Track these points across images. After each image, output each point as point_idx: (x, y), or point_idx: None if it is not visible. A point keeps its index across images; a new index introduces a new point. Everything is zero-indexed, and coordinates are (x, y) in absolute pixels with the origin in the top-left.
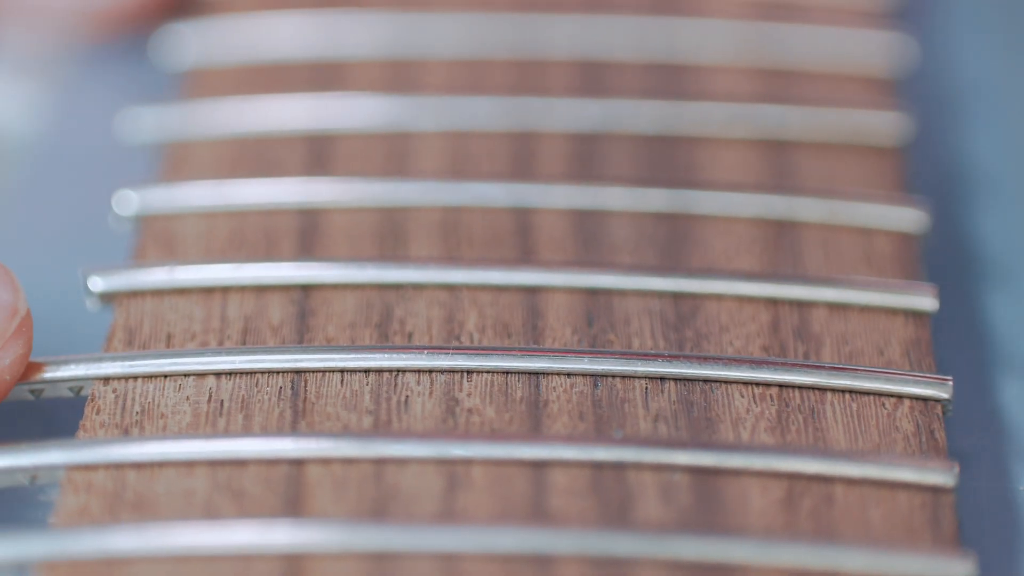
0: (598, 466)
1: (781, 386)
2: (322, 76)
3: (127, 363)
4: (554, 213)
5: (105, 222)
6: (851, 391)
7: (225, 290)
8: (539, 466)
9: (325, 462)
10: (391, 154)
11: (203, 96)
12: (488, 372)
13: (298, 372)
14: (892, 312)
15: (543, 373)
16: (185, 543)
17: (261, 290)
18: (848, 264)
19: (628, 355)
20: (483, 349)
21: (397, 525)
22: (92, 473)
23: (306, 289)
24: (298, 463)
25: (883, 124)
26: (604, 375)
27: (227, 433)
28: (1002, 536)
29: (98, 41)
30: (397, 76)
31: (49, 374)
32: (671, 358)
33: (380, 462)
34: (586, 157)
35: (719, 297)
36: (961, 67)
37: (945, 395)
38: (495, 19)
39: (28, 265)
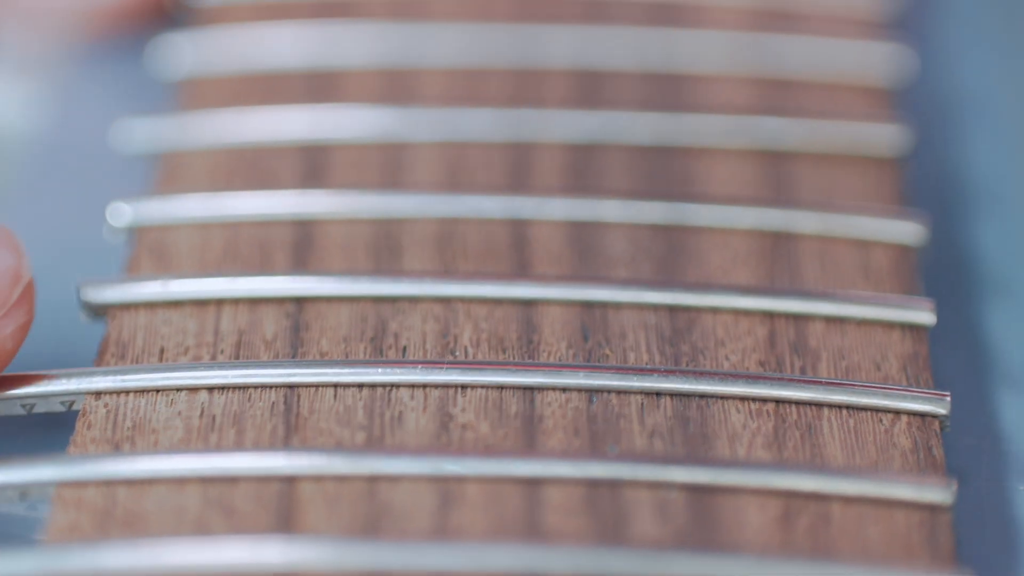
0: (593, 483)
1: (778, 401)
2: (318, 87)
3: (119, 377)
4: (550, 225)
5: (99, 233)
6: (848, 407)
7: (219, 303)
8: (533, 483)
9: (317, 478)
10: (386, 165)
11: (198, 106)
12: (482, 387)
13: (291, 387)
14: (889, 326)
15: (538, 388)
16: (176, 560)
17: (255, 303)
18: (845, 277)
19: (624, 370)
20: (478, 364)
21: (390, 542)
22: (82, 490)
23: (300, 302)
24: (290, 479)
25: (881, 136)
26: (599, 390)
27: (219, 449)
28: (999, 554)
29: (97, 41)
30: (393, 87)
31: (41, 388)
32: (667, 373)
33: (373, 478)
34: (583, 169)
35: (715, 311)
36: (959, 78)
37: (943, 411)
38: (492, 30)
39: None
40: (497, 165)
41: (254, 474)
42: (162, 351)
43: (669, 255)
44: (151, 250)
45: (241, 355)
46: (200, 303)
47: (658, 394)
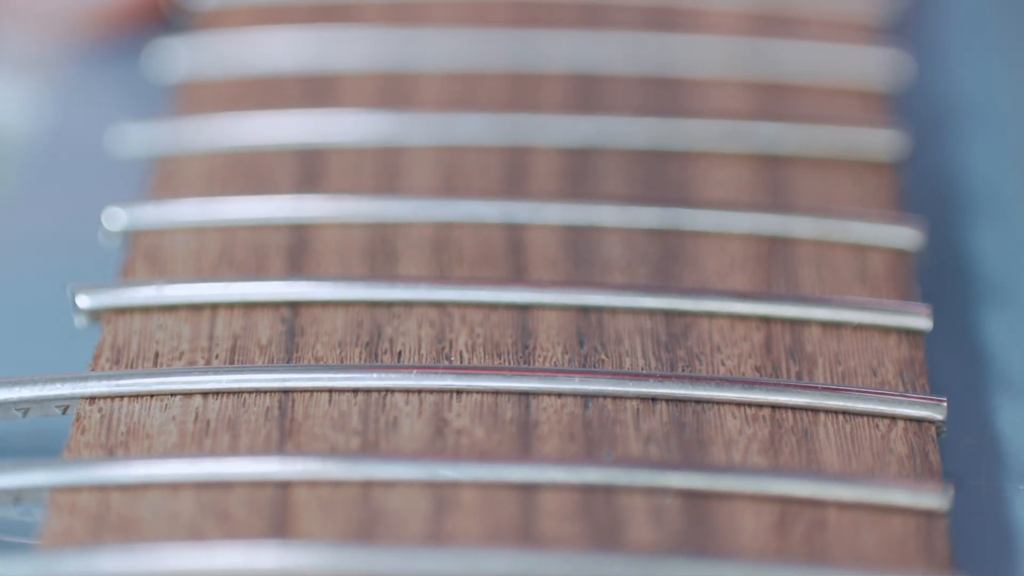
0: (588, 488)
1: (774, 407)
2: (314, 91)
3: (113, 382)
4: (546, 230)
5: (95, 237)
6: (844, 412)
7: (214, 308)
8: (528, 488)
9: (312, 483)
10: (382, 170)
11: (194, 110)
12: (478, 392)
13: (286, 391)
14: (886, 331)
15: (533, 393)
16: (170, 566)
17: (250, 308)
18: (842, 282)
19: (619, 375)
20: (473, 369)
21: (384, 548)
22: (76, 495)
23: (295, 307)
24: (284, 484)
25: (878, 140)
26: (595, 395)
27: (213, 454)
28: (996, 558)
29: (94, 43)
30: (389, 91)
31: (35, 392)
32: (663, 378)
33: (367, 484)
34: (579, 173)
35: (711, 316)
36: (957, 83)
37: (939, 416)
38: (488, 34)
39: (15, 282)
40: (493, 170)
41: (248, 479)
42: (157, 356)
43: (665, 260)
44: (146, 254)
45: (236, 360)
46: (195, 308)
47: (654, 399)
